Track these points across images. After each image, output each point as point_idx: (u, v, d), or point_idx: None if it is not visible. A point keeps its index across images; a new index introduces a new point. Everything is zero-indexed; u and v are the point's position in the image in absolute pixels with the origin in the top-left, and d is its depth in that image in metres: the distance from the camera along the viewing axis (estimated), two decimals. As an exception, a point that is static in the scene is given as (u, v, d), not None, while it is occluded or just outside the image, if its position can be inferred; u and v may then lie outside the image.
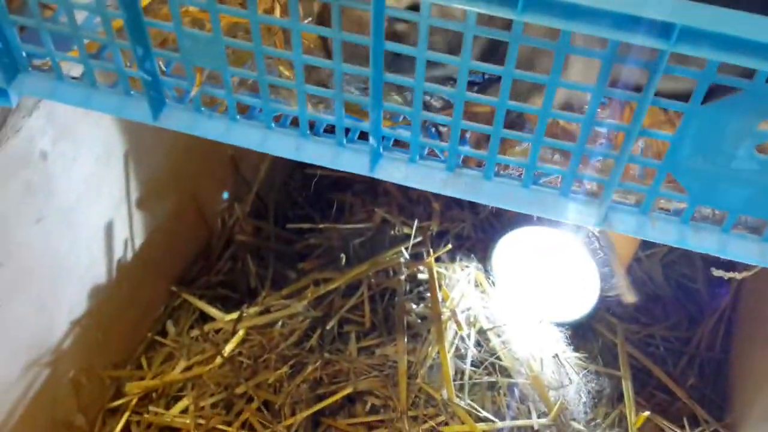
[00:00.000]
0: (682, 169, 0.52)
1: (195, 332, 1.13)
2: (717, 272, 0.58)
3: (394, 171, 0.59)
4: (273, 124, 0.60)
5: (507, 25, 0.46)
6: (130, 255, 1.04)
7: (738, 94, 0.47)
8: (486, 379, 1.08)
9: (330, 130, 0.60)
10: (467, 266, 1.17)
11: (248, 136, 0.60)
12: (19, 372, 0.89)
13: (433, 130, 0.63)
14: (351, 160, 0.59)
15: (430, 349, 1.09)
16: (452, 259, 1.18)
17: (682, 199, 0.54)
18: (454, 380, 1.06)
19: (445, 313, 1.10)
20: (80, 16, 0.64)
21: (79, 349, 0.98)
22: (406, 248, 1.16)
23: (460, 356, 1.10)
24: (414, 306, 1.13)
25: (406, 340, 1.10)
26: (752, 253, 0.55)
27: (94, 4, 0.54)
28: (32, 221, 0.84)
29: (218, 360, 1.05)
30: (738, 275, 0.58)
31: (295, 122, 0.60)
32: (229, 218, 1.23)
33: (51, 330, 0.93)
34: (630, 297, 1.01)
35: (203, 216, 1.19)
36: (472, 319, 1.12)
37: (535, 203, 0.57)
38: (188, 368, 1.06)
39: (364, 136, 0.59)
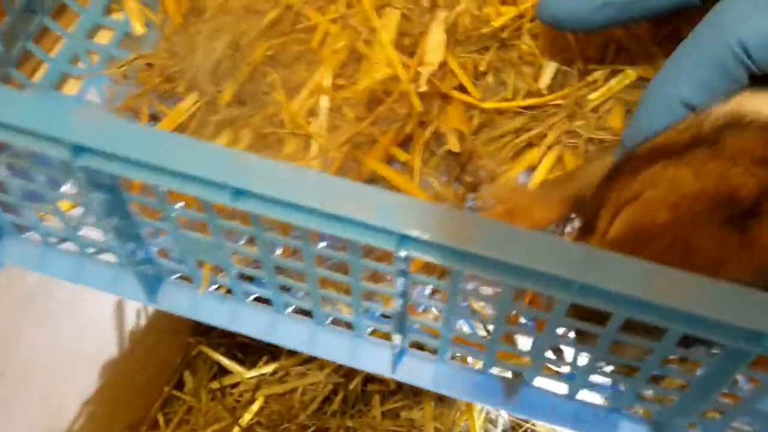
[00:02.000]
0: None
1: (214, 384, 1.08)
2: None
3: (421, 372, 0.52)
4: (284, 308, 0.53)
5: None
6: (143, 321, 0.99)
7: None
8: (518, 449, 1.03)
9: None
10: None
11: (256, 323, 0.53)
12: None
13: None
14: (371, 358, 0.52)
15: (458, 414, 1.04)
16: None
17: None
18: (484, 450, 1.01)
19: (475, 377, 1.04)
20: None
21: (93, 424, 0.95)
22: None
23: (492, 421, 1.05)
24: (442, 367, 1.07)
25: (433, 403, 1.05)
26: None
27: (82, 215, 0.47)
28: (38, 321, 0.79)
29: (236, 429, 1.01)
30: None
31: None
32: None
33: (60, 416, 0.89)
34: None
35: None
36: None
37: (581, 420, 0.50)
38: (205, 439, 1.02)
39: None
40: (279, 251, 0.51)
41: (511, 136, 0.59)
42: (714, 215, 0.37)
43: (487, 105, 0.57)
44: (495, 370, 0.52)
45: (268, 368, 1.06)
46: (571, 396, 0.50)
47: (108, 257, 0.55)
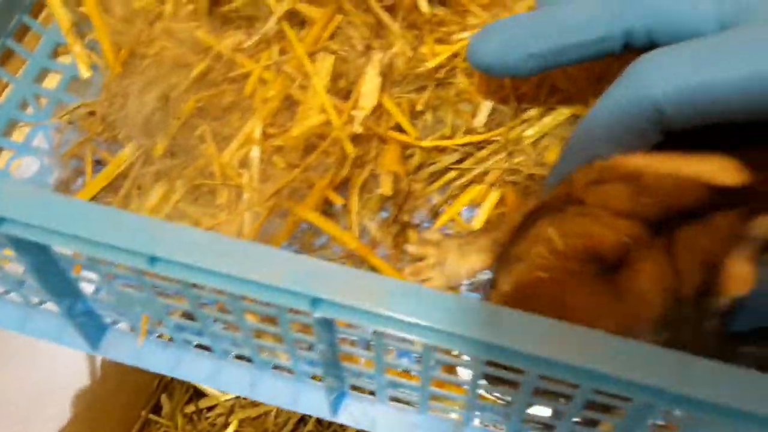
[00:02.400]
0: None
1: (190, 408, 1.09)
2: None
3: (361, 415, 0.53)
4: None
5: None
6: (115, 348, 1.00)
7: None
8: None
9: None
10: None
11: (198, 370, 0.54)
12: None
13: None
14: (311, 401, 0.53)
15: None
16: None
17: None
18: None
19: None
20: None
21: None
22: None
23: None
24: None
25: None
26: None
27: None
28: (5, 357, 0.80)
29: (211, 454, 1.02)
30: None
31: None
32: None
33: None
34: None
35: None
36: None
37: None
38: (180, 463, 1.03)
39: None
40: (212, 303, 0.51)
41: (452, 173, 0.59)
42: (584, 272, 0.37)
43: (425, 144, 0.58)
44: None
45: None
46: (509, 434, 0.51)
47: (54, 306, 0.56)
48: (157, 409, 1.11)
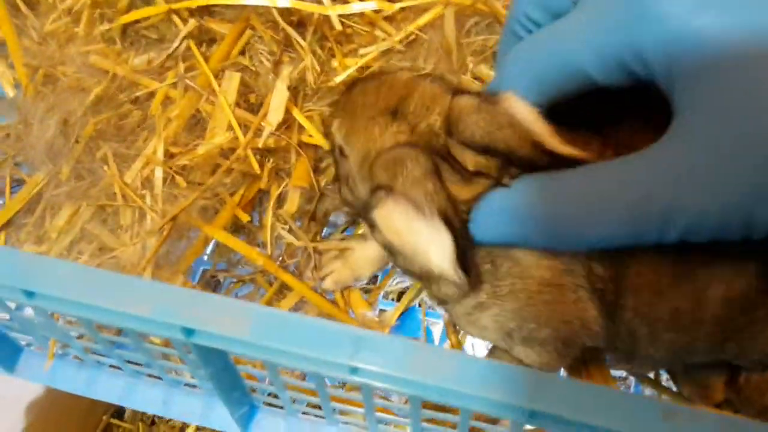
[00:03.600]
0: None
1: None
2: None
3: (272, 428, 0.54)
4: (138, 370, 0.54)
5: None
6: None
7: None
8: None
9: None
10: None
11: (112, 389, 0.55)
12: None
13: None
14: (222, 417, 0.54)
15: None
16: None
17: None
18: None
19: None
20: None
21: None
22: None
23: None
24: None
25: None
26: None
27: None
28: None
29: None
30: None
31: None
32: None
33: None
34: None
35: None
36: None
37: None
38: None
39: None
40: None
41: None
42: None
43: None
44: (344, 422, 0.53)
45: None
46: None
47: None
48: (118, 414, 1.12)
